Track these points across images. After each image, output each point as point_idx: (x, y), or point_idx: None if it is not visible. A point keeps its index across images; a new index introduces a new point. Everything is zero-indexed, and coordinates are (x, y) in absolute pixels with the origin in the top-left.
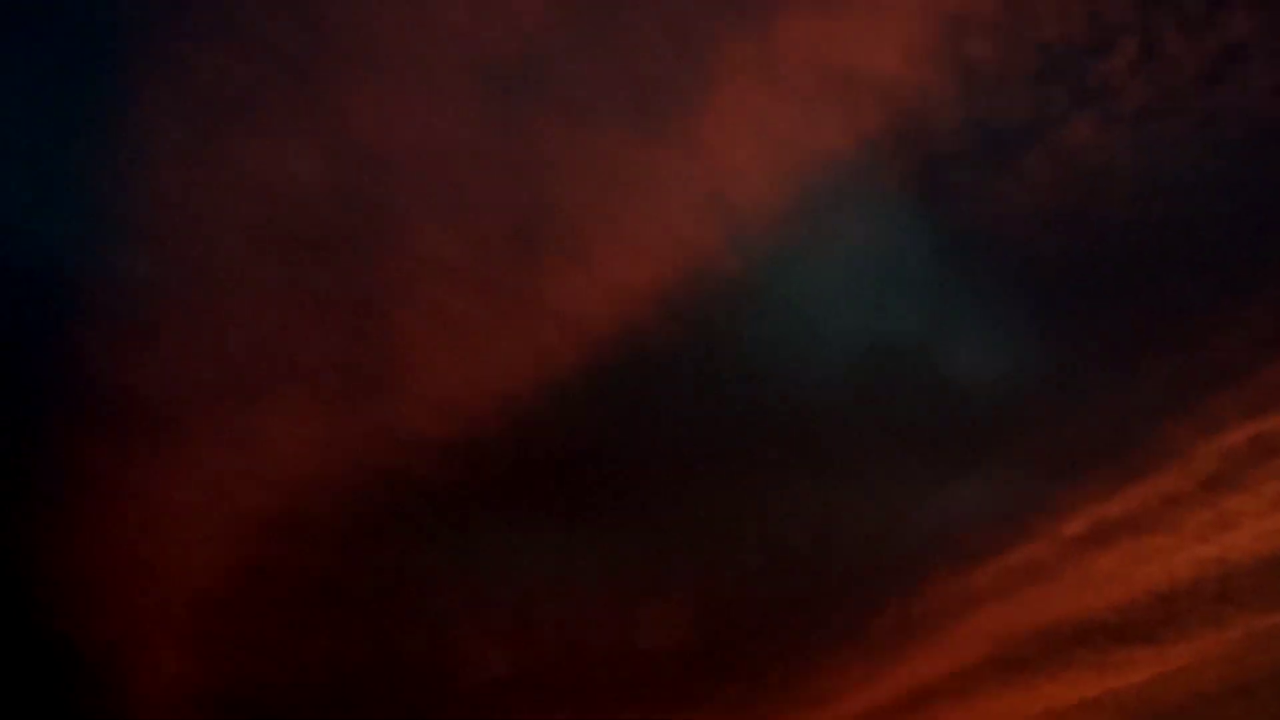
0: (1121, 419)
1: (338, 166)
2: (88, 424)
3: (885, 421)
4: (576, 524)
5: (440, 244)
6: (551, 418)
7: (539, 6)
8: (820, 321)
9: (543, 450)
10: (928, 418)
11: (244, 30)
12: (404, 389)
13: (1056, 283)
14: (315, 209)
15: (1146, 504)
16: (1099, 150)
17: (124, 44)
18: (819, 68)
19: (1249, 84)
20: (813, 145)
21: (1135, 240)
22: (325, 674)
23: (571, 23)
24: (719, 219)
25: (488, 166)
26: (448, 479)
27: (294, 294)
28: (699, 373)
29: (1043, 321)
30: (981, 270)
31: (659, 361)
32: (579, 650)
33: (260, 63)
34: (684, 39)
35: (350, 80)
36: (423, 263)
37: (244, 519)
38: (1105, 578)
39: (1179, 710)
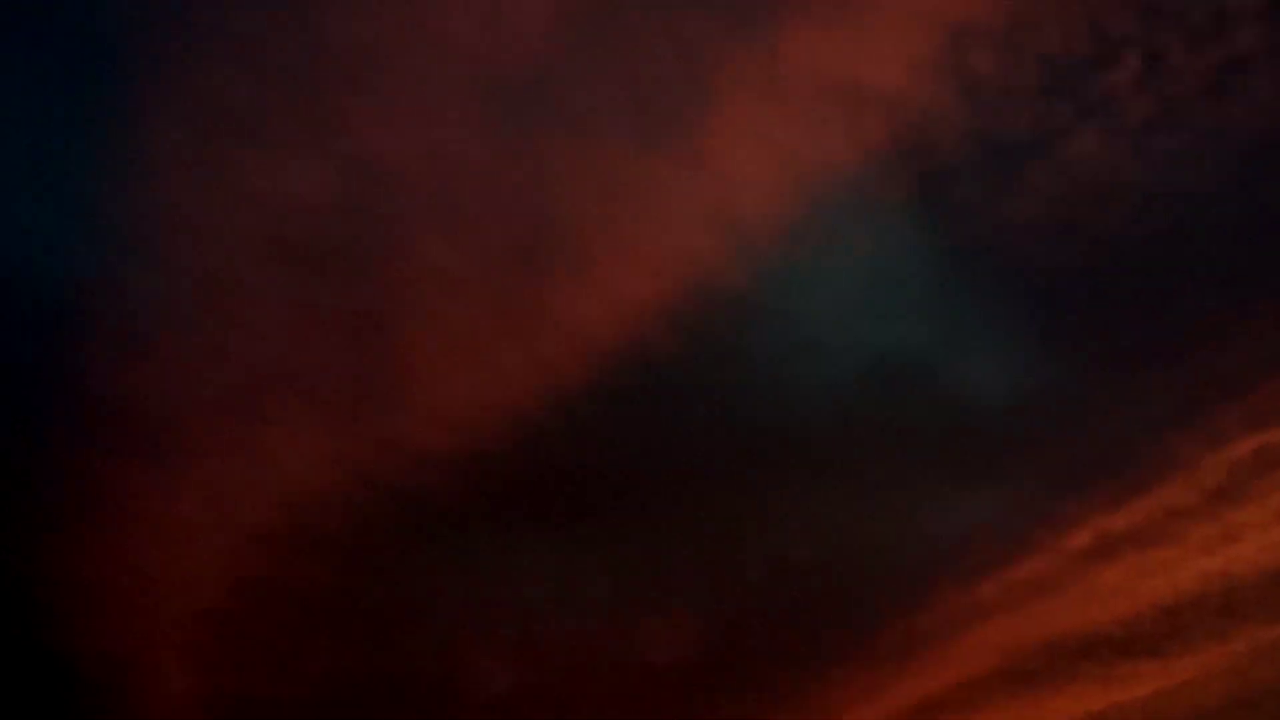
0: (1126, 432)
1: (343, 181)
2: (93, 438)
3: (890, 434)
4: (582, 538)
5: (445, 258)
6: (557, 431)
7: (543, 22)
8: (824, 335)
9: (548, 464)
10: (933, 431)
11: (249, 45)
12: (409, 403)
13: (1061, 295)
14: (320, 223)
15: (1151, 517)
16: (1103, 163)
17: (129, 59)
18: (823, 81)
19: (1253, 97)
20: (817, 159)
21: (1139, 253)
22: (330, 689)
23: (575, 38)
24: (723, 232)
25: (492, 181)
26: (452, 493)
27: (299, 308)
28: (704, 386)
29: (1047, 334)
30: (986, 283)
31: (664, 375)
32: (584, 665)
33: (266, 78)
34: (687, 53)
35: (355, 95)
36: (428, 276)
37: (248, 533)
38: (1110, 591)
39: None
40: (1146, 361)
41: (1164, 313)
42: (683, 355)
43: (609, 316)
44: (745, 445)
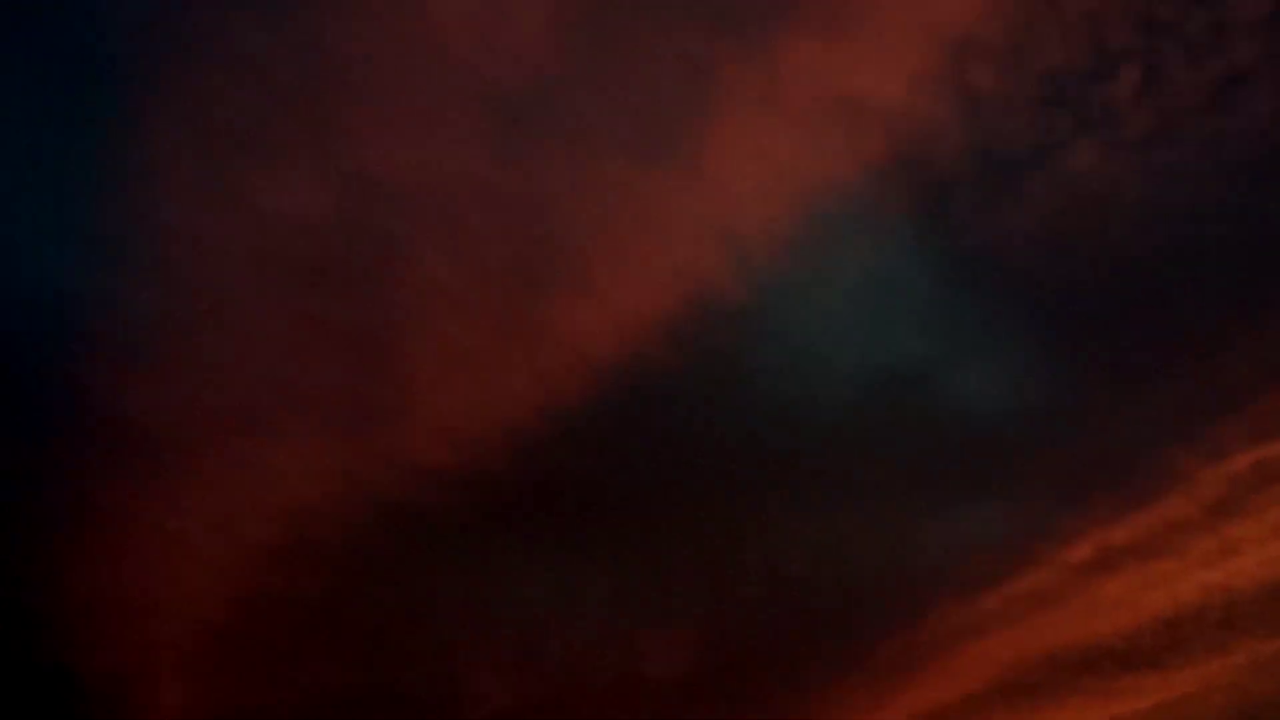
0: (1126, 446)
1: (344, 198)
2: (95, 454)
3: (890, 447)
4: (581, 552)
5: (446, 274)
6: (556, 446)
7: (543, 38)
8: (824, 348)
9: (548, 479)
10: (932, 444)
11: (250, 61)
12: (409, 418)
13: (1060, 309)
14: (321, 240)
15: (1151, 530)
16: (1102, 176)
17: (131, 75)
18: (822, 95)
19: (1251, 110)
20: (816, 172)
21: (1139, 266)
22: (329, 702)
23: (575, 55)
24: (723, 247)
25: (493, 197)
26: (452, 507)
27: (300, 324)
28: (703, 399)
29: (1047, 347)
30: (985, 296)
31: (664, 389)
32: (583, 679)
33: (267, 93)
34: (687, 68)
35: (356, 113)
36: (428, 293)
37: (249, 548)
38: (1111, 604)
39: None
40: (1146, 375)
41: (1163, 327)
42: (682, 369)
43: (608, 331)
44: (745, 458)
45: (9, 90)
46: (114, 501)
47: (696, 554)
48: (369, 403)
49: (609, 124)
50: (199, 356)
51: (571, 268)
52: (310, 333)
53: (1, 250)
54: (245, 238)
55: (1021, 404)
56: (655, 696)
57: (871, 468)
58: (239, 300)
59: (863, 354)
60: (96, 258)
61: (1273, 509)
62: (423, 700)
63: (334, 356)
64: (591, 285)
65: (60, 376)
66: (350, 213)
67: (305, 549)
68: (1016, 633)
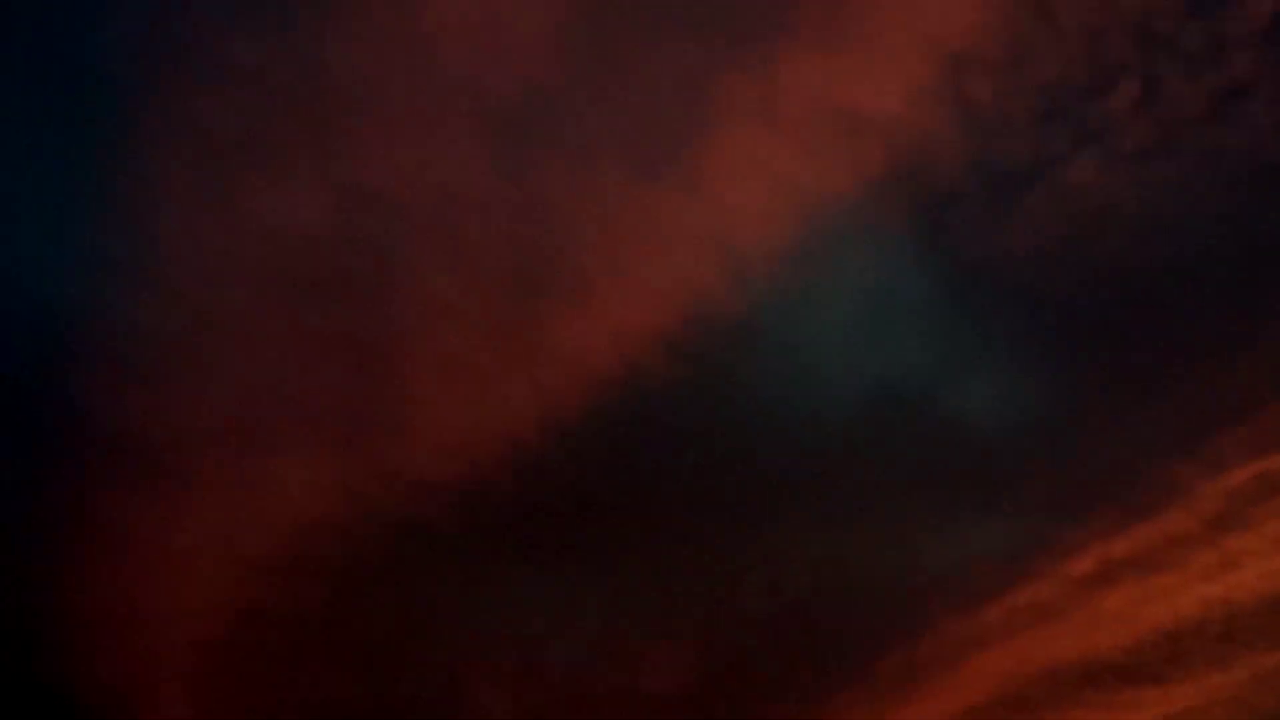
0: (1126, 458)
1: (343, 211)
2: (93, 467)
3: (890, 461)
4: (581, 566)
5: (445, 287)
6: (556, 460)
7: (541, 52)
8: (824, 362)
9: (547, 493)
10: (933, 457)
11: (249, 75)
12: (408, 432)
13: (1060, 323)
14: (320, 253)
15: (1152, 544)
16: (1101, 190)
17: (129, 89)
18: (821, 109)
19: (1250, 122)
20: (815, 186)
21: (1138, 280)
22: (329, 717)
23: (574, 67)
24: (722, 260)
25: (492, 210)
26: (452, 522)
27: (298, 338)
28: (703, 414)
29: (1046, 361)
30: (984, 310)
31: (663, 403)
32: (583, 694)
33: (265, 107)
34: (686, 81)
35: (355, 125)
36: (427, 306)
37: (248, 563)
38: (1111, 618)
39: None
40: (1146, 388)
41: (1163, 339)
42: (681, 382)
43: (608, 344)
44: (744, 472)
45: (7, 103)
46: (112, 515)
47: (696, 567)
48: (367, 415)
49: (608, 137)
50: (197, 370)
51: (570, 280)
52: (308, 345)
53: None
54: (243, 250)
55: (1021, 417)
56: (655, 710)
57: (871, 481)
58: (236, 313)
59: (862, 367)
60: (94, 270)
61: (1273, 522)
62: (422, 714)
63: (332, 369)
64: (590, 298)
65: (58, 389)
66: (349, 225)
67: (304, 563)
68: (1017, 646)
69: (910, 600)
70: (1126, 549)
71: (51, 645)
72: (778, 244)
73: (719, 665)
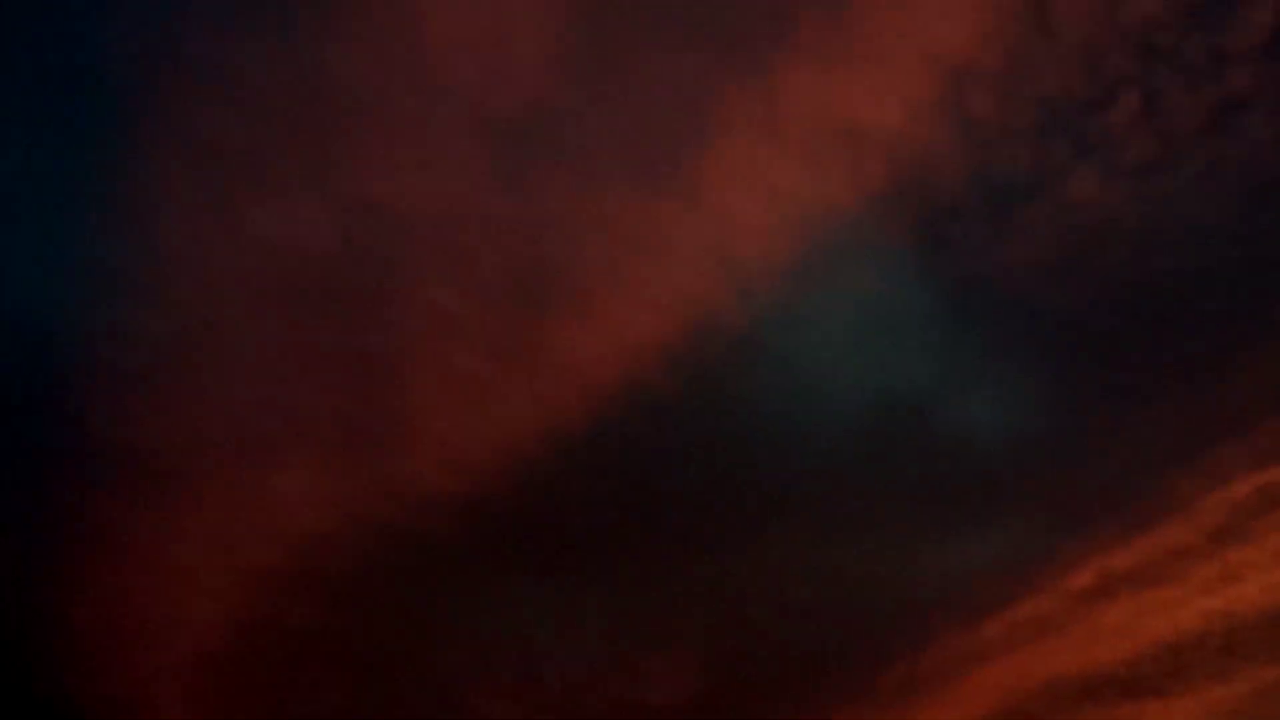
0: (1126, 471)
1: (344, 224)
2: (95, 480)
3: (891, 474)
4: (582, 578)
5: (446, 300)
6: (557, 472)
7: (543, 66)
8: (825, 375)
9: (549, 504)
10: (934, 470)
11: (250, 89)
12: (410, 444)
13: (1060, 335)
14: (322, 266)
15: (1153, 556)
16: (1101, 203)
17: (131, 103)
18: (821, 123)
19: (1250, 135)
20: (815, 199)
21: (1138, 292)
22: None
23: (575, 82)
24: (723, 273)
25: (493, 224)
26: (453, 533)
27: (300, 351)
28: (704, 427)
29: (1047, 374)
30: (985, 323)
31: (665, 416)
32: (585, 705)
33: (267, 121)
34: (687, 96)
35: (357, 139)
36: (429, 318)
37: (250, 575)
38: (1112, 631)
39: None
40: (1146, 401)
41: (1163, 352)
42: (682, 395)
43: (609, 356)
44: (745, 484)
45: (8, 117)
46: (114, 527)
47: (698, 579)
48: (369, 428)
49: (609, 151)
50: (200, 383)
51: (572, 293)
52: (311, 359)
53: (1, 278)
54: (245, 261)
55: (1022, 430)
56: None
57: (872, 494)
58: (238, 327)
59: (863, 380)
60: (97, 285)
61: (1274, 535)
62: None
63: (334, 382)
64: (592, 311)
65: (60, 403)
66: (351, 239)
67: (306, 575)
68: (1018, 660)
69: (911, 613)
70: (1127, 562)
71: (52, 656)
72: (778, 257)
73: (719, 678)
